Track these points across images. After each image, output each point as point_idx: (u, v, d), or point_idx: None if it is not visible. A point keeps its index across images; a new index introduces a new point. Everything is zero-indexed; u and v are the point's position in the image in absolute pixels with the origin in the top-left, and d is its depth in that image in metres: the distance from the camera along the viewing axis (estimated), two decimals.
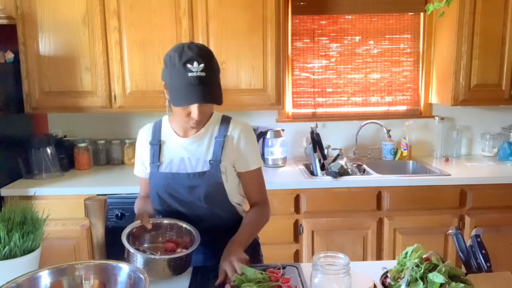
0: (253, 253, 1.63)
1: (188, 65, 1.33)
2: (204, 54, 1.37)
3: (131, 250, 1.32)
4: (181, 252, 1.39)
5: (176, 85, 1.37)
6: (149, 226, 1.45)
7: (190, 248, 1.39)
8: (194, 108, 1.38)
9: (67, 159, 2.89)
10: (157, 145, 1.54)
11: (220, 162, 1.50)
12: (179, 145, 1.54)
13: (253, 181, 1.61)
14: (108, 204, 2.44)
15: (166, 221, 1.52)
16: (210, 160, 1.51)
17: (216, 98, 1.39)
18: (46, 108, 2.76)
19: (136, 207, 1.63)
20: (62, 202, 2.49)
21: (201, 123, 1.48)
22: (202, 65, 1.34)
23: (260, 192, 1.63)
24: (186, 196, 1.51)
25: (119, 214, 2.48)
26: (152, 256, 1.34)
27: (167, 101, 1.48)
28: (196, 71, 1.34)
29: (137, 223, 1.46)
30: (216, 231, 1.54)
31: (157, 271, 1.33)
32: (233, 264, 1.32)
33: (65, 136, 3.06)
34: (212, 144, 1.52)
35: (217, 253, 1.42)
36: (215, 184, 1.50)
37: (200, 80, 1.34)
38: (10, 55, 2.67)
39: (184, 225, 1.50)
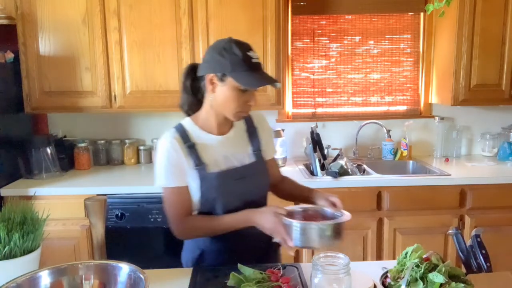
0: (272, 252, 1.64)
1: (248, 53, 1.42)
2: (248, 44, 1.48)
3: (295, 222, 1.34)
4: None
5: (243, 71, 1.40)
6: (292, 253, 1.43)
7: (341, 218, 1.40)
8: (253, 94, 1.45)
9: (67, 159, 2.89)
10: (194, 148, 1.48)
11: (262, 151, 1.59)
12: (217, 143, 1.52)
13: (276, 166, 1.73)
14: (108, 204, 2.45)
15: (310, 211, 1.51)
16: (253, 151, 1.56)
17: (276, 80, 1.50)
18: (46, 108, 2.76)
19: (213, 222, 1.48)
20: (62, 202, 2.48)
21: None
22: (256, 53, 1.45)
23: (280, 173, 1.75)
24: (242, 190, 1.51)
25: (119, 214, 2.48)
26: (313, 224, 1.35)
27: (210, 95, 1.47)
28: (256, 58, 1.43)
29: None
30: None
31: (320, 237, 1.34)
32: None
33: (65, 136, 3.06)
34: (246, 136, 1.59)
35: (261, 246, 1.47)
36: (263, 173, 1.59)
37: (259, 66, 1.44)
38: (10, 55, 2.67)
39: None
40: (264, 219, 1.39)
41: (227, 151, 1.52)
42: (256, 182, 1.55)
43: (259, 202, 1.56)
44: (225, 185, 1.48)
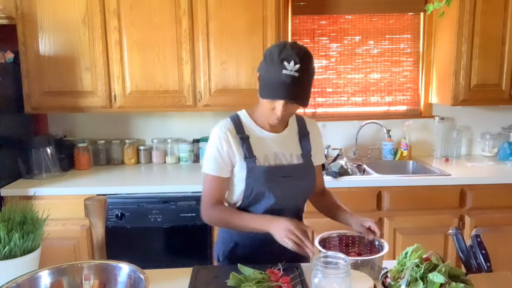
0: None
1: (285, 63, 1.36)
2: (303, 56, 1.39)
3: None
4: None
5: (268, 79, 1.40)
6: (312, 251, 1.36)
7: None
8: (279, 105, 1.42)
9: (67, 159, 2.89)
10: (247, 140, 1.52)
11: (311, 156, 1.60)
12: (269, 139, 1.55)
13: (320, 174, 1.73)
14: (108, 204, 2.45)
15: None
16: (301, 154, 1.58)
17: (300, 99, 1.41)
18: (46, 108, 2.76)
19: (237, 217, 1.51)
20: (62, 202, 2.48)
21: (283, 120, 1.52)
22: (297, 66, 1.36)
23: (323, 183, 1.77)
24: (287, 189, 1.52)
25: (119, 214, 2.48)
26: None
27: (258, 93, 1.49)
28: (291, 70, 1.36)
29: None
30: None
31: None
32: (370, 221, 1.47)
33: (65, 136, 3.05)
34: (297, 139, 1.60)
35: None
36: (310, 175, 1.60)
37: (292, 79, 1.37)
38: (10, 55, 2.67)
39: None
40: (277, 229, 1.38)
41: (278, 149, 1.55)
42: (302, 183, 1.57)
43: (300, 205, 1.61)
44: (271, 180, 1.50)
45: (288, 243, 1.34)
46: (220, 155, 1.51)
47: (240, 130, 1.53)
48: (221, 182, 1.54)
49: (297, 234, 1.33)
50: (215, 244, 1.71)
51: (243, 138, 1.52)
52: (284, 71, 1.36)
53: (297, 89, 1.39)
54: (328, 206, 1.70)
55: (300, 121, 1.65)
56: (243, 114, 1.59)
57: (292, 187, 1.54)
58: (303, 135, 1.62)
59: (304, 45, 1.46)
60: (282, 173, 1.53)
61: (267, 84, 1.41)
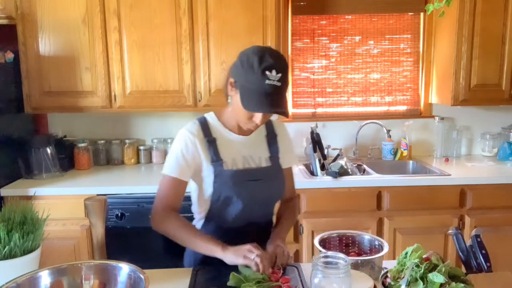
0: None
1: (267, 72, 1.32)
2: (283, 64, 1.37)
3: None
4: None
5: (250, 89, 1.36)
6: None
7: None
8: (259, 115, 1.40)
9: (67, 159, 2.89)
10: (215, 143, 1.49)
11: (279, 158, 1.58)
12: (237, 143, 1.52)
13: (290, 177, 1.68)
14: (108, 204, 2.45)
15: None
16: (270, 157, 1.55)
17: (285, 110, 1.39)
18: (46, 108, 2.76)
19: (189, 233, 1.45)
20: (62, 202, 2.48)
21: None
22: (279, 75, 1.34)
23: (293, 188, 1.73)
24: (256, 192, 1.50)
25: (119, 214, 2.48)
26: None
27: (229, 98, 1.47)
28: (274, 80, 1.33)
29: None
30: (264, 231, 1.53)
31: None
32: (282, 246, 1.40)
33: (65, 136, 3.05)
34: (265, 142, 1.58)
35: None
36: (279, 178, 1.57)
37: (274, 89, 1.34)
38: (10, 55, 2.66)
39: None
40: (228, 257, 1.34)
41: (246, 152, 1.52)
42: (271, 186, 1.55)
43: (270, 209, 1.58)
44: (240, 185, 1.47)
45: (249, 259, 1.30)
46: (184, 157, 1.47)
47: (207, 132, 1.50)
48: (178, 185, 1.48)
49: (256, 252, 1.30)
50: (185, 254, 1.62)
51: (210, 140, 1.48)
52: (267, 81, 1.32)
53: (280, 99, 1.37)
54: (278, 214, 1.66)
55: (268, 123, 1.61)
56: (210, 117, 1.55)
57: (261, 191, 1.51)
58: (271, 137, 1.59)
59: (278, 51, 1.44)
60: (251, 177, 1.49)
61: (249, 94, 1.36)
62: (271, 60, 1.33)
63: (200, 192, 1.53)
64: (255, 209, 1.51)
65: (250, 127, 1.47)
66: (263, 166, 1.53)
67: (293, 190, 1.73)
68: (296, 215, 1.72)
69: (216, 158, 1.47)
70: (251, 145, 1.54)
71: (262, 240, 1.45)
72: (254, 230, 1.51)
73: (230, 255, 1.34)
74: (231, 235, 1.46)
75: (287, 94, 1.44)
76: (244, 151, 1.52)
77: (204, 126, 1.51)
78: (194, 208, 1.60)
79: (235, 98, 1.42)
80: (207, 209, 1.53)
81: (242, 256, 1.32)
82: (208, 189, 1.49)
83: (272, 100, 1.34)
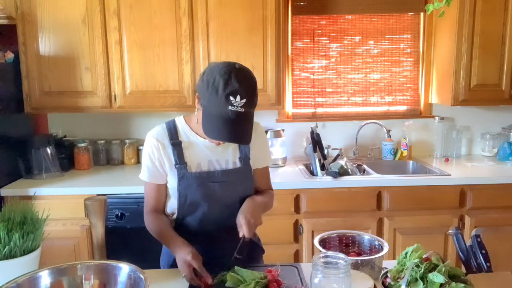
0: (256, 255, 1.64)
1: (231, 98, 1.29)
2: (249, 88, 1.33)
3: None
4: None
5: (212, 113, 1.33)
6: (210, 281, 1.31)
7: None
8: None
9: (67, 159, 2.89)
10: (180, 146, 1.48)
11: (250, 159, 1.55)
12: (203, 147, 1.50)
13: (265, 176, 1.66)
14: (108, 204, 2.45)
15: None
16: (240, 158, 1.53)
17: (246, 138, 1.36)
18: (46, 108, 2.76)
19: (160, 233, 1.48)
20: (62, 202, 2.48)
21: None
22: (244, 100, 1.30)
23: (270, 186, 1.69)
24: (221, 194, 1.49)
25: (119, 214, 2.48)
26: None
27: (196, 110, 1.46)
28: (237, 106, 1.30)
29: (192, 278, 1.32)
30: (234, 234, 1.50)
31: None
32: (250, 222, 1.38)
33: (65, 136, 3.05)
34: (236, 144, 1.51)
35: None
36: (247, 179, 1.55)
37: (237, 116, 1.30)
38: (10, 55, 2.67)
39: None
40: (178, 258, 1.36)
41: (213, 156, 1.51)
42: (238, 188, 1.52)
43: (238, 210, 1.51)
44: (204, 187, 1.47)
45: (185, 271, 1.31)
46: (152, 162, 1.49)
47: (173, 136, 1.49)
48: (155, 188, 1.52)
49: (194, 265, 1.31)
50: (161, 255, 1.64)
51: (175, 144, 1.48)
52: (230, 108, 1.29)
53: (242, 126, 1.34)
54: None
55: None
56: (179, 121, 1.54)
57: (228, 193, 1.50)
58: None
59: (248, 70, 1.39)
60: (215, 179, 1.48)
61: (211, 118, 1.33)
62: (236, 85, 1.29)
63: (168, 196, 1.54)
64: (223, 211, 1.50)
65: (214, 143, 1.48)
66: (230, 168, 1.51)
67: (270, 187, 1.69)
68: (272, 200, 1.64)
69: (179, 162, 1.47)
70: (219, 149, 1.51)
71: (233, 244, 1.42)
72: (223, 233, 1.50)
73: (178, 262, 1.36)
74: (201, 239, 1.48)
75: (252, 118, 1.38)
76: (211, 155, 1.50)
77: (171, 129, 1.51)
78: (167, 211, 1.58)
79: (199, 113, 1.41)
80: (175, 214, 1.53)
81: (181, 268, 1.33)
82: (175, 193, 1.50)
83: (233, 127, 1.31)
